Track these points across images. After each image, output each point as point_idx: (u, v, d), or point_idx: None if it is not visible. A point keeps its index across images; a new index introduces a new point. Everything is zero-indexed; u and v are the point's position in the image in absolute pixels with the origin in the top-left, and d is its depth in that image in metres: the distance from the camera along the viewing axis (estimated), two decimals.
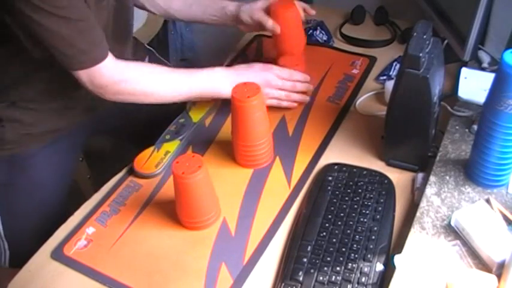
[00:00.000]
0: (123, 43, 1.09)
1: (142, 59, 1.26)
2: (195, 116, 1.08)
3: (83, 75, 0.90)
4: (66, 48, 0.87)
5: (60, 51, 0.87)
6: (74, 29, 0.85)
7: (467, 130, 0.93)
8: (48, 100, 1.02)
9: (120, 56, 0.96)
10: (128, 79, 0.95)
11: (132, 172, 0.98)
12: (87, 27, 0.87)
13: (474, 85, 1.01)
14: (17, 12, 0.81)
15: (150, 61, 1.28)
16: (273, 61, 1.17)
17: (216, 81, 1.01)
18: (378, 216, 0.83)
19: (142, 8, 1.17)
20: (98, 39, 0.90)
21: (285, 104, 1.07)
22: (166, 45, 1.86)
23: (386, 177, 0.90)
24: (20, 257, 0.86)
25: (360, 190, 0.88)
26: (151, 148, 1.01)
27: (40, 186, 1.07)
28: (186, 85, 1.00)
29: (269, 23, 1.07)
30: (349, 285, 0.74)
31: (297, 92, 1.08)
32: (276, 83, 1.04)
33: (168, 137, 1.03)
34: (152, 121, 1.06)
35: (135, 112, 1.13)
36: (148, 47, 1.37)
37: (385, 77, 1.16)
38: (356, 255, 0.77)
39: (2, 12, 0.86)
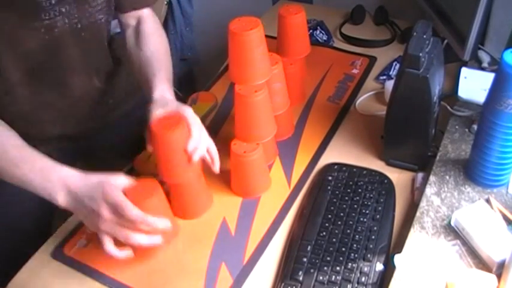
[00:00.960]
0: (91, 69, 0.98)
1: None
2: None
3: None
4: None
5: None
6: None
7: (467, 130, 0.93)
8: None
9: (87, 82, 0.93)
10: None
11: (132, 172, 0.98)
12: None
13: (474, 85, 1.01)
14: None
15: None
16: (278, 42, 1.15)
17: (49, 184, 0.75)
18: (378, 216, 0.83)
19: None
20: None
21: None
22: None
23: (386, 177, 0.90)
24: None
25: (359, 190, 0.88)
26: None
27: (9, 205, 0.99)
28: (19, 171, 0.77)
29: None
30: (349, 285, 0.74)
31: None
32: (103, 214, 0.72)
33: None
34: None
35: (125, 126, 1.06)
36: None
37: (385, 77, 1.16)
38: (356, 255, 0.77)
39: None
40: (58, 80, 0.93)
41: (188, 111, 0.82)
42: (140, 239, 0.73)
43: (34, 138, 0.85)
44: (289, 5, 1.09)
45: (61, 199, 0.74)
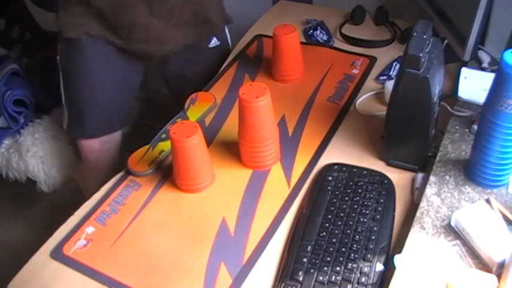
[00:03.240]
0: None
1: None
2: (193, 115, 1.08)
3: None
4: None
5: None
6: None
7: (467, 130, 0.93)
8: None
9: None
10: None
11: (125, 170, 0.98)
12: None
13: (474, 85, 1.01)
14: None
15: None
16: (272, 62, 1.17)
17: None
18: (378, 216, 0.83)
19: None
20: None
21: None
22: None
23: (386, 177, 0.90)
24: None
25: (359, 190, 0.88)
26: (146, 147, 1.01)
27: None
28: None
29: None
30: (349, 285, 0.74)
31: None
32: None
33: (164, 136, 1.03)
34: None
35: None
36: None
37: (385, 77, 1.16)
38: (356, 255, 0.77)
39: None
40: None
41: None
42: None
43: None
44: (285, 25, 1.14)
45: None
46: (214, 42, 1.31)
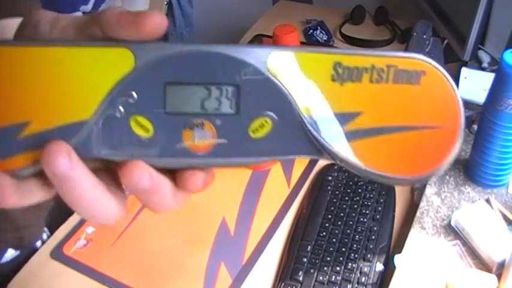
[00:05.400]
0: None
1: None
2: None
3: None
4: None
5: None
6: None
7: (467, 130, 0.93)
8: None
9: None
10: None
11: None
12: None
13: (474, 85, 1.01)
14: None
15: None
16: None
17: None
18: (378, 216, 0.83)
19: None
20: None
21: None
22: None
23: None
24: None
25: (359, 190, 0.88)
26: None
27: None
28: None
29: None
30: (349, 285, 0.74)
31: None
32: None
33: None
34: None
35: None
36: None
37: None
38: (356, 255, 0.77)
39: None
40: None
41: None
42: None
43: None
44: (285, 25, 1.12)
45: None
46: None
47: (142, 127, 0.27)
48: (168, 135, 0.28)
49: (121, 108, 0.27)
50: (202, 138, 0.28)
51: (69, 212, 0.92)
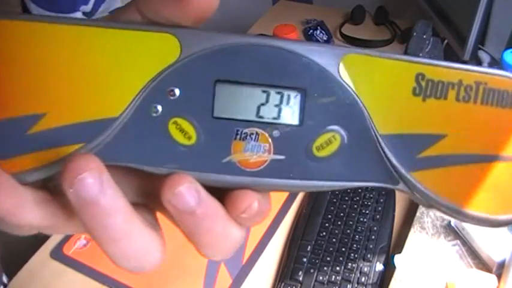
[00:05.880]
0: None
1: None
2: None
3: None
4: None
5: None
6: None
7: None
8: None
9: None
10: None
11: None
12: None
13: None
14: None
15: None
16: None
17: None
18: (378, 216, 0.83)
19: None
20: None
21: None
22: None
23: None
24: None
25: (359, 190, 0.88)
26: None
27: None
28: None
29: None
30: (349, 285, 0.74)
31: None
32: None
33: None
34: None
35: None
36: None
37: None
38: (356, 255, 0.77)
39: None
40: None
41: None
42: None
43: None
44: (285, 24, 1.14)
45: None
46: None
47: (183, 132, 0.23)
48: (214, 145, 0.23)
49: (159, 107, 0.22)
50: (255, 152, 0.23)
51: None
